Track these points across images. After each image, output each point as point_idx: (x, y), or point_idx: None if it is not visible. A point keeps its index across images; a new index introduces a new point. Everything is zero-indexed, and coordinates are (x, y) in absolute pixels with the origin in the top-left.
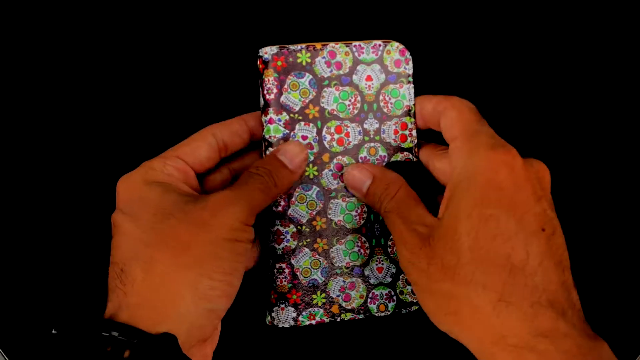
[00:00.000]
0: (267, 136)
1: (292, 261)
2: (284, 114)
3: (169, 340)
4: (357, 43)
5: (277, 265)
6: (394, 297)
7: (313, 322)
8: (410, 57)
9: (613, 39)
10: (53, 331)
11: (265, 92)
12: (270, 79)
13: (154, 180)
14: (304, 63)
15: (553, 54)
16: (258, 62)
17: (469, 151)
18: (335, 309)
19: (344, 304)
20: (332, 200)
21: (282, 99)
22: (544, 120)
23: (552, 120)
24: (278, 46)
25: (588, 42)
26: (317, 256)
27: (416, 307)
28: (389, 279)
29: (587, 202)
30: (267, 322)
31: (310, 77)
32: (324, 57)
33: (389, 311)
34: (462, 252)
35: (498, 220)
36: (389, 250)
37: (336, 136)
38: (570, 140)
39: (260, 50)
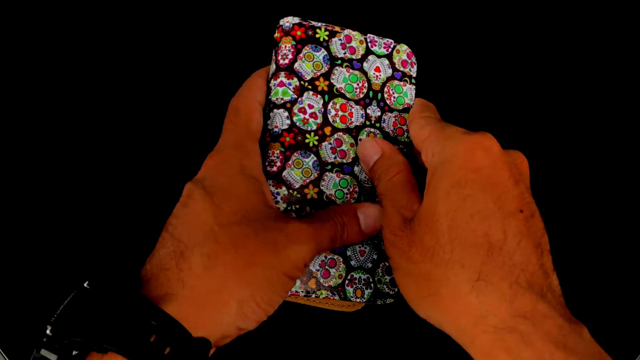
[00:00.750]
0: (273, 98)
1: None
2: (295, 79)
3: (204, 345)
4: (371, 36)
5: None
6: (372, 285)
7: (288, 293)
8: (416, 61)
9: (610, 40)
10: (85, 284)
11: (279, 57)
12: (287, 46)
13: (250, 174)
14: (321, 39)
15: (550, 56)
16: (277, 32)
17: (444, 138)
18: (312, 283)
19: (321, 280)
20: (327, 173)
21: (296, 65)
22: (539, 122)
23: (547, 122)
24: (299, 18)
25: (584, 45)
26: None
27: (392, 300)
28: (370, 265)
29: (584, 202)
30: None
31: (325, 53)
32: (340, 39)
33: (364, 298)
34: (440, 232)
35: (475, 200)
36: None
37: (340, 113)
38: (566, 141)
39: (281, 20)
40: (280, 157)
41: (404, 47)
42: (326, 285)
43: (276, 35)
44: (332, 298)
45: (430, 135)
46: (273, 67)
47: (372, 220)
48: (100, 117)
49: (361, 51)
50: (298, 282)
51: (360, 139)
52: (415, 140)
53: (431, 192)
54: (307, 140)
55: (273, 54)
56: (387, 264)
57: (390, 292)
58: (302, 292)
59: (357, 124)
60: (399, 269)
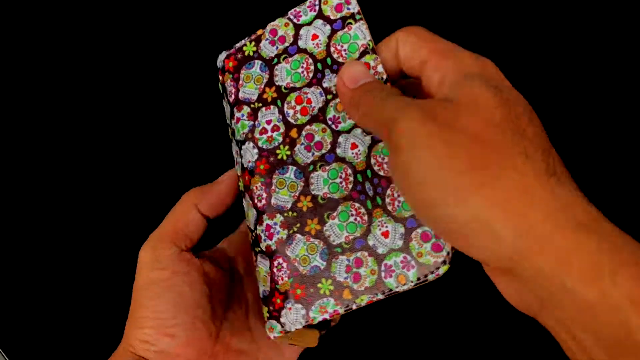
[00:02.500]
0: (238, 137)
1: (287, 252)
2: (245, 107)
3: None
4: (292, 10)
5: (275, 263)
6: (413, 262)
7: (326, 315)
8: None
9: (610, 40)
10: None
11: (228, 96)
12: (228, 82)
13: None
14: (251, 53)
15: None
16: (219, 76)
17: (457, 65)
18: (346, 294)
19: (355, 286)
20: (311, 175)
21: (240, 94)
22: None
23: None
24: (226, 50)
25: (584, 45)
26: (311, 239)
27: (446, 268)
28: (400, 242)
29: None
30: (279, 332)
31: (260, 62)
32: (267, 39)
33: (411, 281)
34: (494, 122)
35: (517, 103)
36: (390, 208)
37: (298, 107)
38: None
39: (217, 61)
40: (263, 187)
41: None
42: (362, 289)
43: (220, 79)
44: (375, 300)
45: (430, 61)
46: (227, 109)
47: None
48: (100, 118)
49: (291, 33)
50: (332, 300)
51: (330, 118)
52: (408, 64)
53: (469, 89)
54: (279, 156)
55: (223, 95)
56: (419, 231)
57: (439, 259)
58: (341, 308)
59: (320, 105)
60: (432, 153)
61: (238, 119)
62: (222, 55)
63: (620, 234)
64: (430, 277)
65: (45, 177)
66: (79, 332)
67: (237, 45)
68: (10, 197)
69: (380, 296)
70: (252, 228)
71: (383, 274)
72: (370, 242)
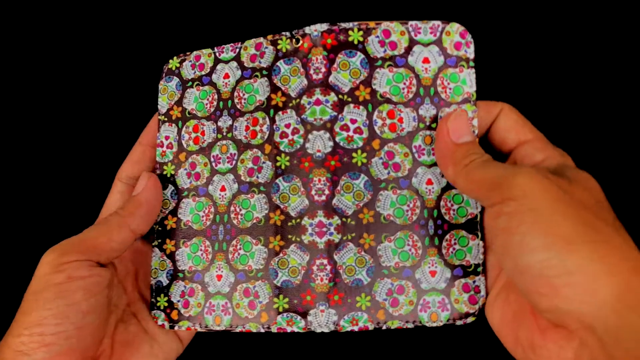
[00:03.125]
0: (310, 119)
1: (335, 257)
2: (332, 94)
3: None
4: (413, 23)
5: (317, 262)
6: (448, 306)
7: (355, 328)
8: (472, 40)
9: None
10: None
11: (311, 71)
12: (318, 58)
13: None
14: (355, 42)
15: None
16: (302, 41)
17: (561, 155)
18: (381, 314)
19: (390, 310)
20: (381, 192)
21: (331, 78)
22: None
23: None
24: (328, 24)
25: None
26: (362, 253)
27: (473, 319)
28: (443, 285)
29: None
30: (300, 329)
31: (362, 56)
32: (377, 36)
33: (441, 321)
34: (598, 198)
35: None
36: (444, 252)
37: (388, 121)
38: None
39: (307, 27)
40: (328, 183)
41: (455, 27)
42: (396, 314)
43: (302, 44)
44: (405, 327)
45: (535, 141)
46: (303, 81)
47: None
48: (100, 118)
49: (404, 44)
50: (365, 316)
51: (416, 146)
52: (505, 135)
53: (579, 172)
54: (354, 160)
55: (300, 66)
56: (462, 281)
57: (471, 311)
58: (371, 325)
59: (410, 129)
60: (547, 205)
61: (319, 101)
62: (321, 26)
63: None
64: (458, 323)
65: (45, 177)
66: None
67: (343, 25)
68: (10, 197)
69: (410, 325)
70: (294, 215)
71: (419, 307)
72: (417, 276)
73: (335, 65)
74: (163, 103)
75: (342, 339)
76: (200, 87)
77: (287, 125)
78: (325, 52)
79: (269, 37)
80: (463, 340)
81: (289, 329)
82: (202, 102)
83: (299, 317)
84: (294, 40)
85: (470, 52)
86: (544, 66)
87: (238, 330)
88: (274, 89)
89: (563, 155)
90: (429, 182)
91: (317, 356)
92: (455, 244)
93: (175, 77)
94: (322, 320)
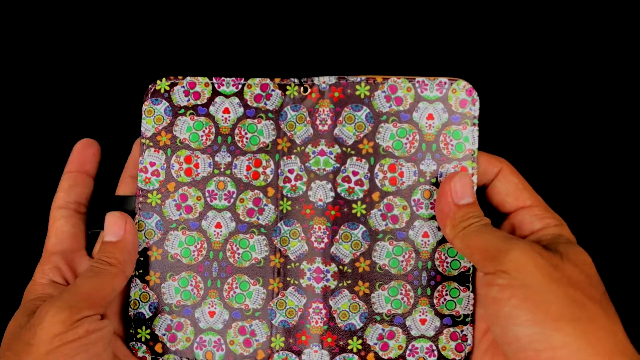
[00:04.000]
0: (314, 168)
1: (331, 302)
2: (336, 147)
3: None
4: (420, 79)
5: (314, 305)
6: (435, 352)
7: None
8: (478, 97)
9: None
10: None
11: (318, 122)
12: (325, 110)
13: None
14: (362, 96)
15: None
16: (310, 90)
17: (558, 225)
18: (371, 357)
19: (380, 353)
20: (378, 242)
21: (336, 131)
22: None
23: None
24: (337, 76)
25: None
26: (357, 299)
27: None
28: (432, 332)
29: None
30: None
31: (368, 110)
32: (384, 92)
33: None
34: (592, 276)
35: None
36: (435, 302)
37: (389, 175)
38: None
39: (315, 78)
40: (327, 232)
41: (461, 84)
42: (386, 357)
43: (310, 94)
44: None
45: (535, 207)
46: (309, 130)
47: (110, 228)
48: (99, 118)
49: (409, 100)
50: (356, 358)
51: (415, 199)
52: (504, 197)
53: (573, 247)
54: (354, 211)
55: (305, 115)
56: (450, 330)
57: (457, 358)
58: None
59: (410, 183)
60: (538, 282)
61: (323, 152)
62: (330, 79)
63: None
64: None
65: (43, 176)
66: None
67: (350, 79)
68: (10, 197)
69: None
70: (293, 259)
71: (408, 352)
72: (408, 323)
73: (341, 119)
74: (148, 126)
75: None
76: (195, 117)
77: (291, 171)
78: (332, 105)
79: (277, 80)
80: None
81: None
82: (196, 133)
83: (294, 356)
84: (302, 88)
85: (475, 110)
86: (539, 108)
87: None
88: (281, 133)
89: (560, 224)
90: (425, 234)
91: None
92: (446, 294)
93: (164, 101)
94: (315, 359)
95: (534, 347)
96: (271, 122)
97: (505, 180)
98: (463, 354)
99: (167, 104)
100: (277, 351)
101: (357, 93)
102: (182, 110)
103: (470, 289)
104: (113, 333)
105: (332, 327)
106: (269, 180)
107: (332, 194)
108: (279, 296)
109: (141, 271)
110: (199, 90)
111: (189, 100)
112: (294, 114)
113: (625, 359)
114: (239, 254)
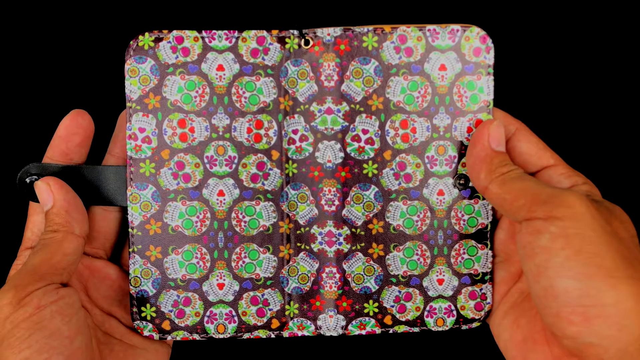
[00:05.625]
0: (321, 127)
1: (344, 266)
2: (344, 104)
3: None
4: (431, 27)
5: (327, 270)
6: (454, 312)
7: (363, 332)
8: (492, 45)
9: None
10: None
11: (323, 78)
12: (330, 64)
13: None
14: (370, 48)
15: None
16: (313, 43)
17: (587, 184)
18: (388, 320)
19: (398, 316)
20: (391, 203)
21: (344, 87)
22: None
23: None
24: (342, 27)
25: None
26: (371, 262)
27: (478, 324)
28: (450, 292)
29: None
30: (311, 333)
31: (376, 63)
32: (392, 42)
33: (447, 326)
34: (634, 237)
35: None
36: (453, 261)
37: (401, 131)
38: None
39: (318, 30)
40: (338, 194)
41: (475, 31)
42: (403, 320)
43: (313, 47)
44: (411, 331)
45: (559, 166)
46: (313, 87)
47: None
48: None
49: (420, 50)
50: (373, 321)
51: (429, 156)
52: (526, 158)
53: (611, 205)
54: (365, 171)
55: (309, 71)
56: (469, 289)
57: (476, 317)
58: (379, 329)
59: (423, 139)
60: (595, 234)
61: (330, 110)
62: (335, 31)
63: None
64: (464, 327)
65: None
66: None
67: (357, 29)
68: (10, 197)
69: (416, 330)
70: (303, 223)
71: (426, 313)
72: (425, 284)
73: (348, 73)
74: (133, 88)
75: (348, 341)
76: (186, 76)
77: (295, 132)
78: (338, 59)
79: (274, 32)
80: (469, 343)
81: (299, 334)
82: (189, 94)
83: (309, 322)
84: (303, 40)
85: (490, 58)
86: (553, 70)
87: (245, 337)
88: (282, 91)
89: (587, 182)
90: (440, 192)
91: (323, 358)
92: (464, 253)
93: (149, 59)
94: (330, 324)
95: (583, 302)
96: (271, 79)
97: (526, 140)
98: (483, 313)
99: (153, 62)
100: (292, 318)
101: (365, 45)
102: (171, 69)
103: (489, 246)
104: (81, 304)
105: (347, 291)
106: (272, 142)
107: (342, 154)
108: (291, 263)
109: (140, 247)
110: (187, 46)
111: (177, 57)
112: (295, 69)
113: None
114: (245, 222)
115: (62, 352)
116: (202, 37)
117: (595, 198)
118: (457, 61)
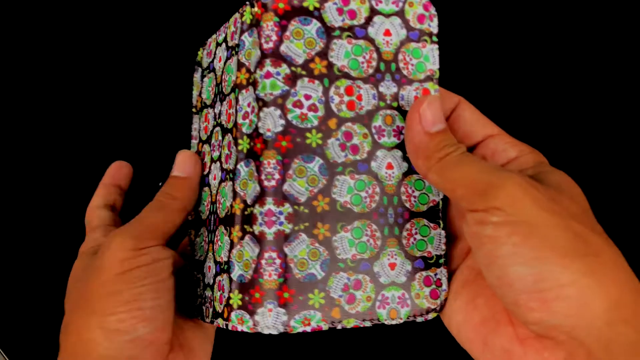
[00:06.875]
0: (261, 94)
1: (286, 249)
2: (284, 66)
3: None
4: None
5: (266, 255)
6: (408, 301)
7: (308, 328)
8: (435, 13)
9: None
10: None
11: (262, 40)
12: (269, 24)
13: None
14: (311, 8)
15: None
16: (256, 7)
17: (533, 152)
18: (335, 312)
19: (346, 307)
20: (337, 177)
21: (283, 47)
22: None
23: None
24: None
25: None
26: (316, 245)
27: (435, 315)
28: (403, 278)
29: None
30: (248, 329)
31: (318, 24)
32: (335, 3)
33: (401, 318)
34: (587, 208)
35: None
36: (405, 242)
37: (346, 98)
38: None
39: None
40: (278, 167)
41: None
42: (353, 312)
43: (255, 10)
44: (362, 326)
45: (502, 135)
46: (257, 52)
47: (181, 164)
48: (100, 118)
49: (364, 13)
50: (319, 315)
51: (376, 126)
52: (468, 128)
53: (561, 176)
54: (308, 141)
55: (254, 36)
56: (424, 274)
57: (432, 307)
58: (325, 325)
59: (369, 107)
60: (540, 217)
61: (269, 74)
62: None
63: None
64: (419, 319)
65: (43, 176)
66: None
67: None
68: (10, 197)
69: (368, 324)
70: (249, 203)
71: (378, 304)
72: (376, 269)
73: (287, 33)
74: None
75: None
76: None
77: (248, 104)
78: (276, 18)
79: (240, 9)
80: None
81: (239, 328)
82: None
83: (248, 316)
84: (251, 6)
85: (434, 27)
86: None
87: (215, 325)
88: (239, 65)
89: (534, 151)
90: (389, 166)
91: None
92: (416, 233)
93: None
94: (269, 321)
95: (539, 287)
96: (237, 56)
97: (470, 110)
98: (439, 302)
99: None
100: (235, 309)
101: (305, 4)
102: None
103: (441, 225)
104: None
105: (289, 279)
106: (233, 120)
107: (282, 121)
108: (238, 246)
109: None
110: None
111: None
112: (250, 40)
113: (632, 291)
114: (218, 205)
115: (166, 298)
116: (215, 36)
117: (542, 169)
118: (402, 27)
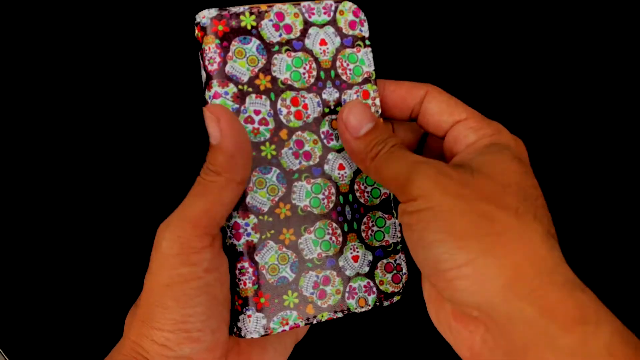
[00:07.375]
0: None
1: (257, 258)
2: (231, 85)
3: None
4: (306, 3)
5: (239, 265)
6: (374, 289)
7: (286, 327)
8: (365, 18)
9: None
10: None
11: (206, 62)
12: (211, 47)
13: None
14: (248, 27)
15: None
16: (196, 30)
17: (494, 132)
18: (309, 309)
19: (319, 303)
20: (295, 183)
21: (227, 68)
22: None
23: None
24: (217, 9)
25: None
26: (284, 249)
27: (399, 298)
28: (367, 268)
29: (584, 201)
30: (234, 333)
31: (258, 42)
32: (271, 20)
33: (369, 305)
34: (509, 184)
35: (531, 177)
36: (364, 235)
37: (293, 109)
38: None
39: (197, 15)
40: None
41: (347, 5)
42: (325, 306)
43: (196, 34)
44: (335, 317)
45: (469, 120)
46: (203, 74)
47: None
48: (100, 118)
49: (299, 26)
50: (295, 313)
51: (324, 132)
52: (436, 118)
53: (492, 155)
54: (263, 154)
55: (200, 58)
56: (384, 261)
57: (396, 290)
58: (302, 321)
59: (315, 115)
60: (444, 203)
61: (217, 94)
62: (209, 12)
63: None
64: (385, 304)
65: (43, 176)
66: (79, 332)
67: (233, 9)
68: (10, 197)
69: (340, 315)
70: None
71: (347, 295)
72: (341, 263)
73: (230, 54)
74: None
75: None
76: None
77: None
78: (217, 40)
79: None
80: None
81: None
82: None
83: (231, 322)
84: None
85: (365, 31)
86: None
87: None
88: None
89: (497, 132)
90: (341, 167)
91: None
92: (373, 225)
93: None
94: (250, 326)
95: (441, 267)
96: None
97: (436, 100)
98: (401, 284)
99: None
100: None
101: (243, 24)
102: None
103: (395, 215)
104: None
105: (263, 285)
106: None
107: None
108: None
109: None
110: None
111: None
112: (201, 61)
113: (532, 266)
114: None
115: (217, 317)
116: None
117: (482, 151)
118: (336, 35)
